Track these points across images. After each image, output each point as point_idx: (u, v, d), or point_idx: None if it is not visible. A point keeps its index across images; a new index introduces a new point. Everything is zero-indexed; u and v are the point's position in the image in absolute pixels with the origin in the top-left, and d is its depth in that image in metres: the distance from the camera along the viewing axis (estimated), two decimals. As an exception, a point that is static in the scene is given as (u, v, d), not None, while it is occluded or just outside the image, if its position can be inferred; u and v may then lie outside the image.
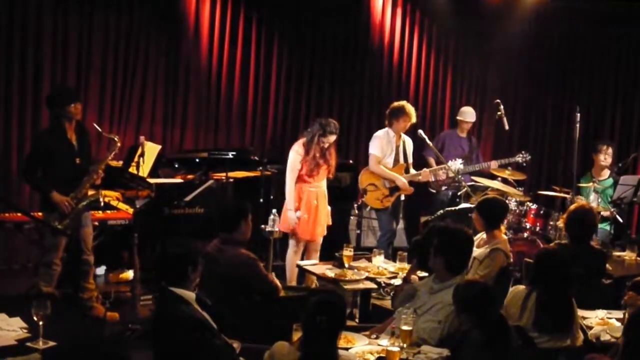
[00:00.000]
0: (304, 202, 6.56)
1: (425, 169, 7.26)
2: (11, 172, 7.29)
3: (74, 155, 5.73)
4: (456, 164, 7.14)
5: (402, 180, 7.05)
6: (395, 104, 7.15)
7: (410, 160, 7.25)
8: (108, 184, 6.70)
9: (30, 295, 5.62)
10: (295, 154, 6.55)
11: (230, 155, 7.34)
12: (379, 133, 7.18)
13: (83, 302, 5.84)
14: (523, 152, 7.58)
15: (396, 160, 7.15)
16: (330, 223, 6.77)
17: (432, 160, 7.83)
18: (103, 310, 5.89)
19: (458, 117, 8.20)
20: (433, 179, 7.55)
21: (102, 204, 5.90)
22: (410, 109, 7.04)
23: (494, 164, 7.69)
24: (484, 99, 9.42)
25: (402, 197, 7.30)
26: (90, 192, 5.79)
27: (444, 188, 7.91)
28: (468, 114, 8.13)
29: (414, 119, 7.07)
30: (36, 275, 5.92)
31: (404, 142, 7.19)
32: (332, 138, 6.52)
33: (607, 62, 9.44)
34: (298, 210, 6.51)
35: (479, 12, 9.15)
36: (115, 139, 5.98)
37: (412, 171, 7.20)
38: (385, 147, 7.11)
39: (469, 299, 3.75)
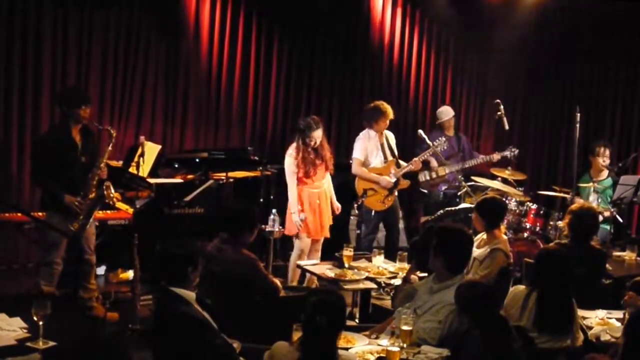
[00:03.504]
0: (307, 203, 6.54)
1: (414, 159, 7.22)
2: (11, 172, 7.28)
3: (78, 154, 5.71)
4: (452, 167, 7.16)
5: (385, 180, 7.04)
6: (371, 105, 7.14)
7: (396, 153, 7.24)
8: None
9: (31, 295, 5.62)
10: (290, 157, 6.54)
11: (230, 155, 7.34)
12: (361, 135, 7.18)
13: (83, 302, 5.83)
14: (512, 146, 7.57)
15: (385, 158, 7.14)
16: (331, 222, 6.76)
17: (432, 160, 7.83)
18: (103, 310, 5.88)
19: (437, 121, 8.23)
20: (427, 178, 7.59)
21: (112, 195, 5.78)
22: (385, 107, 7.03)
23: (481, 159, 7.69)
24: (484, 99, 9.42)
25: (396, 192, 7.29)
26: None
27: (444, 188, 7.93)
28: (442, 113, 8.20)
29: (391, 116, 7.08)
30: (37, 275, 5.91)
31: (386, 138, 7.19)
32: (317, 133, 6.45)
33: (607, 62, 9.44)
34: (302, 213, 6.50)
35: (479, 12, 9.16)
36: (111, 130, 5.88)
37: (403, 163, 7.19)
38: (368, 148, 7.11)
39: (470, 299, 3.76)
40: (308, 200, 6.55)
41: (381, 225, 7.51)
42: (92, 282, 5.91)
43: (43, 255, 5.82)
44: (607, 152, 7.63)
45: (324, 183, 6.66)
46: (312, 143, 6.45)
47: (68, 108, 5.69)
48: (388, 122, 7.09)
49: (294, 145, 6.56)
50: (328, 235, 6.69)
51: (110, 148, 5.81)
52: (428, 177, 7.77)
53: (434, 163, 7.76)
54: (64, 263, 5.81)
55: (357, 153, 7.11)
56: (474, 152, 8.20)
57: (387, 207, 7.13)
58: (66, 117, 5.72)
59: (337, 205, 6.79)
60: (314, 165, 6.52)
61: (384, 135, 7.17)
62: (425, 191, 7.94)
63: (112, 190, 5.73)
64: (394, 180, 7.07)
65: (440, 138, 7.35)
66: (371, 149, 7.11)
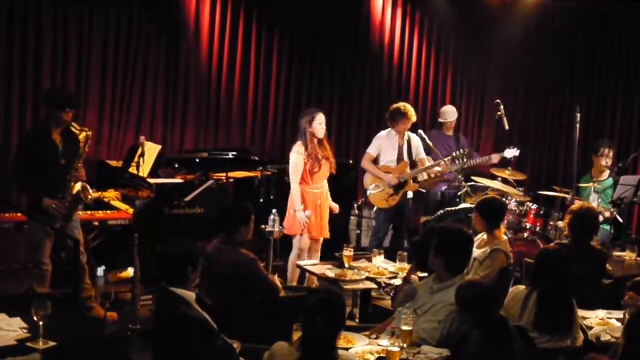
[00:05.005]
0: (308, 203, 6.52)
1: (431, 164, 7.24)
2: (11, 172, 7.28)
3: (57, 155, 5.62)
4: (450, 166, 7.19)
5: (388, 176, 7.05)
6: (393, 106, 7.15)
7: (422, 156, 7.24)
8: (108, 184, 6.71)
9: (29, 296, 5.61)
10: (296, 154, 6.49)
11: (230, 155, 7.34)
12: (381, 133, 7.24)
13: (83, 301, 5.83)
14: (512, 146, 7.52)
15: (399, 159, 7.15)
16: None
17: (430, 160, 7.82)
18: (103, 311, 5.88)
19: (440, 119, 8.22)
20: (424, 177, 7.60)
21: (90, 196, 5.73)
22: (407, 110, 7.04)
23: (480, 160, 7.67)
24: (484, 99, 9.42)
25: (410, 195, 7.27)
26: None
27: (443, 188, 7.93)
28: (448, 114, 8.17)
29: (413, 119, 7.08)
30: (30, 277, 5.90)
31: (408, 141, 7.19)
32: (321, 118, 6.43)
33: (607, 62, 9.45)
34: (307, 210, 6.48)
35: (479, 12, 9.17)
36: (87, 131, 5.73)
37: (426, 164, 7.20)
38: (384, 146, 7.13)
39: (470, 299, 3.75)
40: (310, 200, 6.54)
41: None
42: (87, 282, 5.87)
43: (30, 258, 5.80)
44: (611, 153, 7.63)
45: (325, 184, 6.65)
46: (319, 127, 6.41)
47: (49, 109, 5.63)
48: (409, 124, 7.10)
49: (299, 142, 6.52)
50: (328, 235, 6.68)
51: (87, 149, 5.70)
52: (426, 177, 7.76)
53: (431, 161, 7.77)
54: (61, 263, 5.79)
55: (370, 148, 7.20)
56: (473, 153, 8.19)
57: (391, 206, 7.12)
58: (48, 118, 5.66)
59: (334, 205, 6.76)
60: (319, 162, 6.49)
61: (406, 137, 7.18)
62: (424, 190, 7.94)
63: (90, 191, 5.69)
64: (400, 180, 7.06)
65: (460, 150, 7.35)
66: (386, 148, 7.14)
